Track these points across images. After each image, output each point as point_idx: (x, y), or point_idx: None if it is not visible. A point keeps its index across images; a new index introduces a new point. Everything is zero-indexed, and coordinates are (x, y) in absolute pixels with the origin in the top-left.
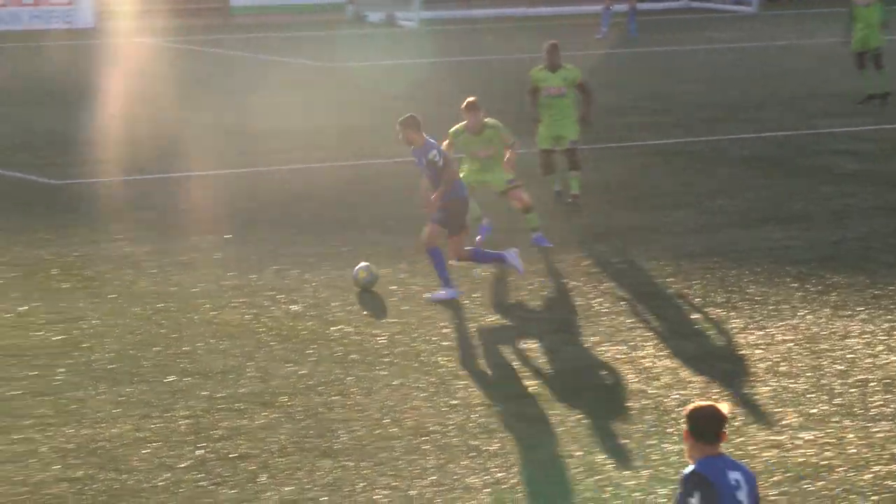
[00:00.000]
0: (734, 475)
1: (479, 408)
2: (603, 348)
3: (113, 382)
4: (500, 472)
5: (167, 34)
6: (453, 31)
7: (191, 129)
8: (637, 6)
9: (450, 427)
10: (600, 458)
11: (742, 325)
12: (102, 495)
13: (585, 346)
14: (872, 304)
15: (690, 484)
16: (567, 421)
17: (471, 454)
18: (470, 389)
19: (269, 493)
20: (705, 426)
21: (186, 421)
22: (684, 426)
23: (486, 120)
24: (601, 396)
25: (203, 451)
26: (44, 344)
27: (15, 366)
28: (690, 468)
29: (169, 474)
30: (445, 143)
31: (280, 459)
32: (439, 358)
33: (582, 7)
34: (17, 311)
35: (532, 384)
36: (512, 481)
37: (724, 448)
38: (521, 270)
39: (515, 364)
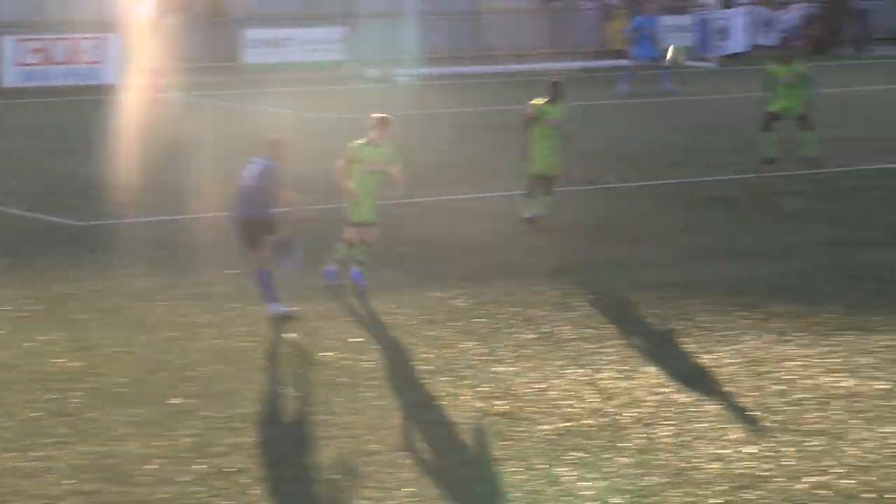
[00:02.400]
0: None
1: (453, 426)
2: (568, 371)
3: (124, 404)
4: (470, 483)
5: (185, 89)
6: (446, 85)
7: (199, 174)
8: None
9: (428, 444)
10: (562, 469)
11: (694, 350)
12: None
13: (550, 368)
14: (810, 330)
15: None
16: (532, 436)
17: (444, 469)
18: (447, 410)
19: None
20: None
21: (189, 439)
22: None
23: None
24: (564, 414)
25: (204, 466)
26: (63, 369)
27: (37, 389)
28: None
29: (172, 487)
30: (342, 161)
31: (273, 473)
32: (419, 381)
33: (569, 63)
34: (39, 340)
35: (502, 403)
36: (481, 491)
37: (673, 462)
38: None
39: (488, 386)
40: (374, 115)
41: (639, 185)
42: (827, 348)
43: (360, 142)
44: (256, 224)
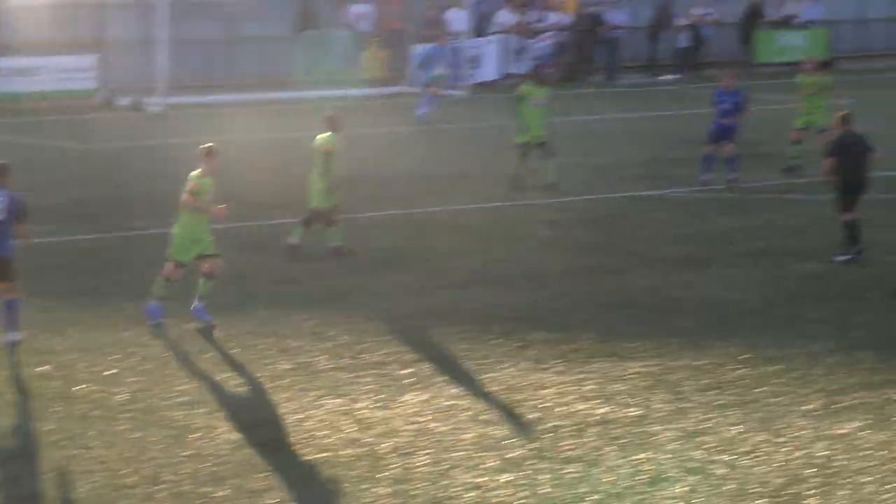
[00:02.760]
0: None
1: (210, 458)
2: (325, 401)
3: None
4: None
5: None
6: (198, 115)
7: None
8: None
9: (185, 476)
10: (318, 501)
11: (451, 379)
12: None
13: (307, 399)
14: (565, 357)
15: None
16: (289, 469)
17: (202, 501)
18: (202, 441)
19: None
20: None
21: None
22: None
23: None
24: (321, 445)
25: None
26: None
27: None
28: None
29: None
30: (191, 190)
31: None
32: (175, 413)
33: (324, 92)
34: None
35: (258, 434)
36: None
37: (431, 491)
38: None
39: (244, 417)
40: (203, 145)
41: (390, 214)
42: (582, 375)
43: (197, 172)
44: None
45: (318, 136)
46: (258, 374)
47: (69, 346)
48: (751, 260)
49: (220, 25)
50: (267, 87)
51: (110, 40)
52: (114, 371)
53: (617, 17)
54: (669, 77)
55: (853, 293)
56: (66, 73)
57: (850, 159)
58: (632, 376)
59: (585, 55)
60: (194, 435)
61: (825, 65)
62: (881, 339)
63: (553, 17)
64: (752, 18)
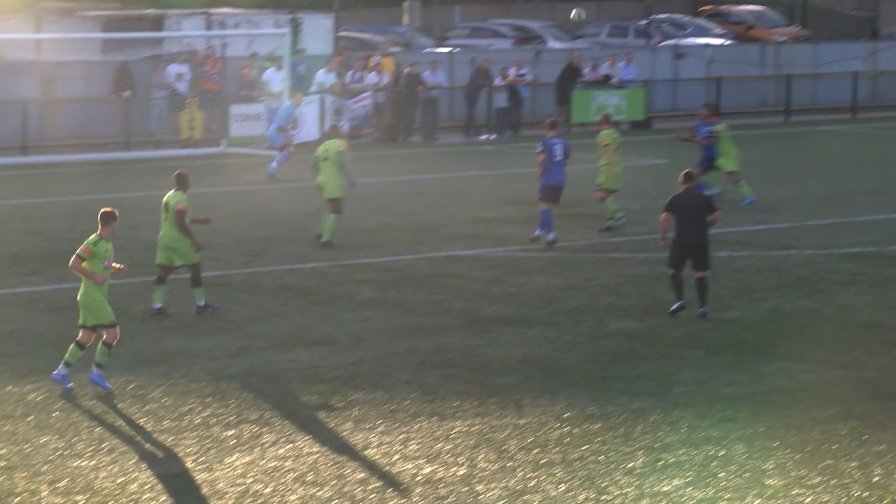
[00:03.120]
0: None
1: None
2: (146, 464)
3: None
4: None
5: None
6: (13, 175)
7: None
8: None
9: None
10: None
11: (273, 440)
12: None
13: (130, 462)
14: (389, 417)
15: None
16: None
17: None
18: None
19: None
20: None
21: None
22: None
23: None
24: None
25: None
26: None
27: None
28: None
29: None
30: (80, 254)
31: None
32: None
33: (141, 153)
34: None
35: (82, 498)
36: None
37: None
38: None
39: (66, 481)
40: (103, 209)
41: (213, 275)
42: (405, 435)
43: (94, 237)
44: None
45: (170, 194)
46: (80, 437)
47: None
48: (572, 319)
49: (37, 86)
50: (85, 148)
51: None
52: None
53: (435, 77)
54: (487, 137)
55: (672, 351)
56: None
57: (685, 217)
58: (455, 435)
59: (404, 115)
60: (16, 499)
61: (643, 124)
62: (700, 397)
63: (371, 77)
64: (569, 78)
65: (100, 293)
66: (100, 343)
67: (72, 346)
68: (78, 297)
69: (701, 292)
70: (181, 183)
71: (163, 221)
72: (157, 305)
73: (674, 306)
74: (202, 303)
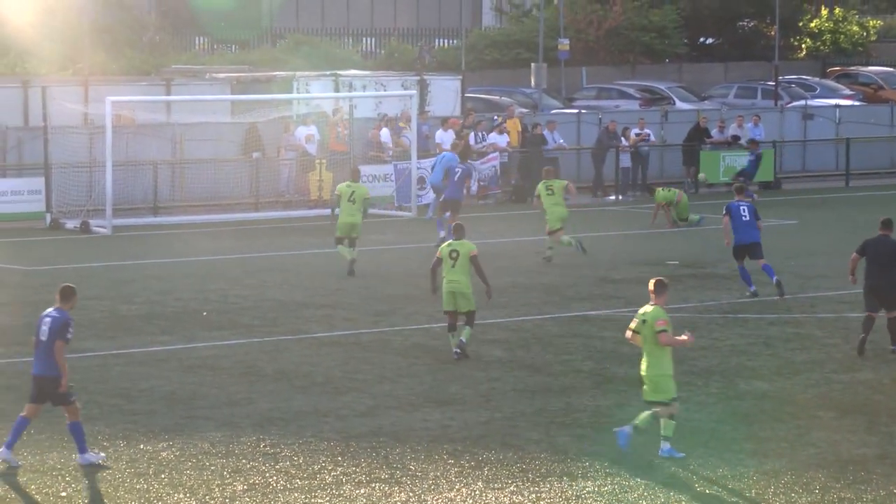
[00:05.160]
0: None
1: None
2: None
3: None
4: None
5: None
6: (144, 236)
7: None
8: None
9: None
10: None
11: (404, 499)
12: None
13: None
14: (520, 477)
15: None
16: None
17: None
18: None
19: None
20: None
21: None
22: None
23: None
24: None
25: None
26: None
27: None
28: None
29: None
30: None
31: None
32: None
33: (270, 213)
34: None
35: None
36: None
37: None
38: None
39: None
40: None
41: (342, 334)
42: (536, 495)
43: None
44: (51, 381)
45: (459, 242)
46: (212, 496)
47: (22, 468)
48: (701, 379)
49: (167, 147)
50: (216, 209)
51: (56, 162)
52: (64, 494)
53: (554, 137)
54: (614, 198)
55: (803, 412)
56: (11, 195)
57: (875, 261)
58: (587, 495)
59: (530, 175)
60: None
61: (772, 184)
62: (832, 458)
63: (495, 138)
64: (696, 139)
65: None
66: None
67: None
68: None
69: (893, 332)
70: (459, 233)
71: (451, 268)
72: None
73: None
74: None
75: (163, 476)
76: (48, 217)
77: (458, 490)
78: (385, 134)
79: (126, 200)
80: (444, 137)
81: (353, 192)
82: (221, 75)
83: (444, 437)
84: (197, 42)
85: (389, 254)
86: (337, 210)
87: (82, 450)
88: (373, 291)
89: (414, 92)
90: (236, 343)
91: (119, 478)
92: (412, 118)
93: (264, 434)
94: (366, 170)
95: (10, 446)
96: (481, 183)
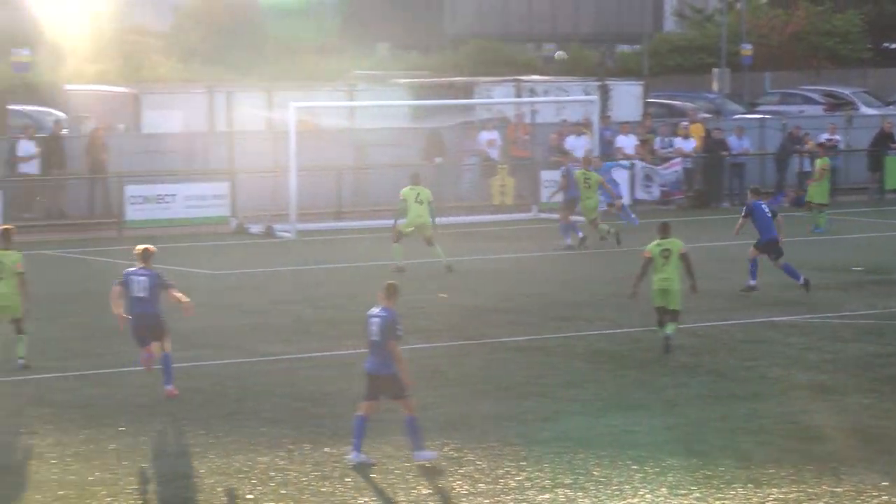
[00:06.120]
0: None
1: None
2: None
3: None
4: None
5: (63, 246)
6: (328, 240)
7: (84, 329)
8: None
9: None
10: None
11: None
12: None
13: None
14: (704, 483)
15: None
16: None
17: None
18: None
19: None
20: None
21: None
22: None
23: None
24: None
25: None
26: None
27: None
28: None
29: None
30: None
31: None
32: None
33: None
34: None
35: None
36: None
37: None
38: None
39: None
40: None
41: (526, 339)
42: (720, 502)
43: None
44: (385, 379)
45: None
46: (396, 499)
47: (209, 470)
48: (888, 386)
49: (350, 153)
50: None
51: (241, 167)
52: (251, 496)
53: (740, 143)
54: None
55: None
56: (197, 200)
57: None
58: (772, 503)
59: (713, 181)
60: None
61: None
62: None
63: (679, 143)
64: (882, 144)
65: None
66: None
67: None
68: None
69: None
70: (666, 232)
71: (662, 266)
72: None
73: None
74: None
75: (347, 479)
76: (233, 221)
77: (641, 496)
78: (571, 139)
79: (309, 205)
80: (625, 142)
81: (418, 193)
82: (404, 81)
83: (627, 442)
84: (379, 48)
85: (570, 259)
86: (401, 220)
87: (417, 447)
88: (555, 297)
89: (595, 97)
90: (420, 347)
91: (304, 481)
92: (594, 123)
93: (448, 438)
94: (546, 175)
95: (357, 448)
96: (664, 188)
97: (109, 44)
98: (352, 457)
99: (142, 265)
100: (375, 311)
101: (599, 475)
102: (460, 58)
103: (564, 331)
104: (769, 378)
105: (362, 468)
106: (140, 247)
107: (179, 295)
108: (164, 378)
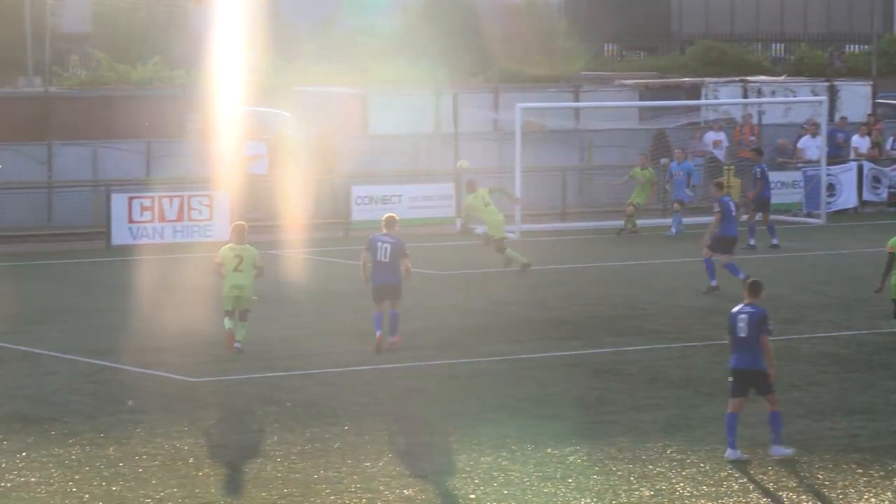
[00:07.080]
0: None
1: None
2: None
3: None
4: None
5: (295, 246)
6: (551, 241)
7: (309, 329)
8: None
9: None
10: None
11: None
12: None
13: None
14: None
15: None
16: None
17: None
18: None
19: None
20: None
21: None
22: None
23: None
24: None
25: None
26: None
27: None
28: None
29: None
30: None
31: None
32: None
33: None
34: (155, 497)
35: None
36: None
37: None
38: None
39: None
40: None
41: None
42: None
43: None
44: (755, 374)
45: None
46: (620, 501)
47: (432, 469)
48: None
49: (575, 154)
50: (619, 215)
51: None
52: (473, 496)
53: None
54: None
55: None
56: (422, 200)
57: None
58: None
59: None
60: None
61: None
62: None
63: None
64: None
65: None
66: None
67: None
68: None
69: None
70: None
71: None
72: None
73: None
74: None
75: (570, 480)
76: (458, 222)
77: (866, 500)
78: (805, 140)
79: (534, 206)
80: (861, 143)
81: (482, 198)
82: (630, 82)
83: (852, 446)
84: (606, 49)
85: (796, 261)
86: (481, 228)
87: (776, 441)
88: (778, 300)
89: (823, 98)
90: (643, 349)
91: (527, 481)
92: (822, 124)
93: (670, 440)
94: (774, 176)
95: (733, 445)
96: (892, 189)
97: (338, 46)
98: (728, 454)
99: (386, 231)
100: (742, 307)
101: (823, 479)
102: (687, 58)
103: (788, 333)
104: None
105: (739, 464)
106: (387, 214)
107: (409, 264)
108: (389, 329)
